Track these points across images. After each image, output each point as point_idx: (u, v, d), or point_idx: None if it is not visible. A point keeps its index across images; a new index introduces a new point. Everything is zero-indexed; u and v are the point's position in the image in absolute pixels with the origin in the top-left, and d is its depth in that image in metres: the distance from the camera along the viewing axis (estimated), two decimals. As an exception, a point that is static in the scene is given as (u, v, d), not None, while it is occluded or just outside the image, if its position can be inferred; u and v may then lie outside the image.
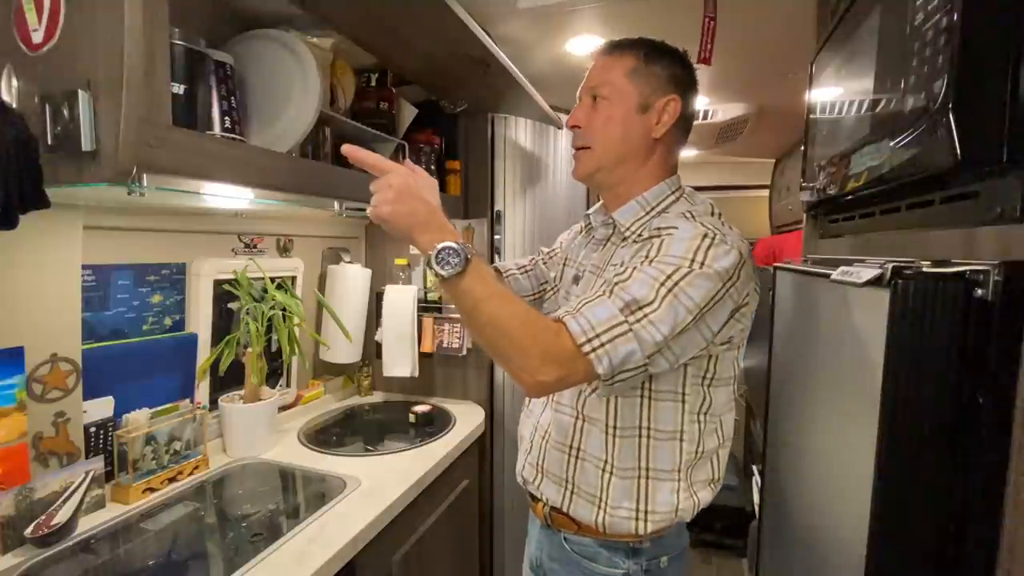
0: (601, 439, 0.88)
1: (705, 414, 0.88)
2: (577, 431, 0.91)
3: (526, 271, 1.19)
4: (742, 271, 0.78)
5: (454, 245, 0.72)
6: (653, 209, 0.91)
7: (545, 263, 1.19)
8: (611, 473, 0.87)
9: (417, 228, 0.75)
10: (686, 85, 0.91)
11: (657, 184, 0.92)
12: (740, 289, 0.79)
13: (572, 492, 0.91)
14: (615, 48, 0.92)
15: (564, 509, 0.92)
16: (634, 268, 0.78)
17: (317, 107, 0.99)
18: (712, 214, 0.88)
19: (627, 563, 0.90)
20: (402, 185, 0.75)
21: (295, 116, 0.99)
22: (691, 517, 0.90)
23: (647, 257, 0.78)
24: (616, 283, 0.77)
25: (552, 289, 1.17)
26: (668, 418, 0.86)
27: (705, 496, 0.90)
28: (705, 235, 0.78)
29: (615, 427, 0.87)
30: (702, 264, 0.75)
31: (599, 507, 0.88)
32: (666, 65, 0.90)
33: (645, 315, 0.73)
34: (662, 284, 0.74)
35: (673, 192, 0.92)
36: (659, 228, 0.84)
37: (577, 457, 0.91)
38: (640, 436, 0.86)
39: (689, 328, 0.75)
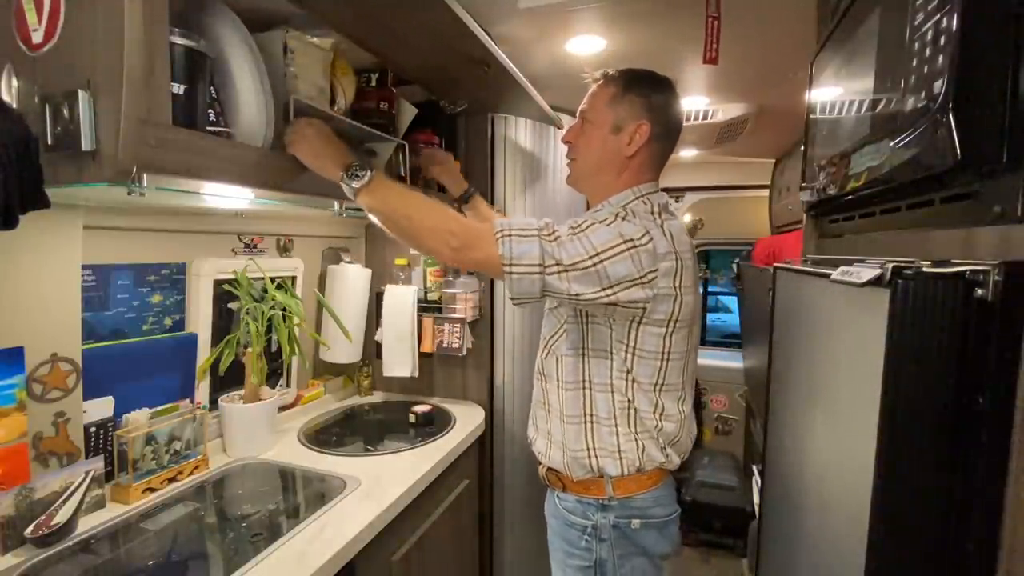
0: (557, 394, 1.09)
1: (630, 374, 1.02)
2: (543, 390, 1.13)
3: None
4: (647, 245, 0.93)
5: (360, 163, 0.95)
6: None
7: None
8: (563, 420, 1.07)
9: (330, 159, 0.96)
10: (660, 110, 1.06)
11: (623, 191, 1.08)
12: (643, 258, 0.93)
13: (551, 442, 1.10)
14: (604, 79, 1.10)
15: (550, 463, 1.11)
16: None
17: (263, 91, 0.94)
18: (652, 212, 1.02)
19: (596, 516, 1.06)
20: (319, 129, 0.99)
21: (254, 103, 0.94)
22: (639, 463, 1.03)
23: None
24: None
25: None
26: (601, 372, 1.04)
27: (652, 448, 1.04)
28: (618, 214, 0.97)
29: (563, 382, 1.07)
30: (607, 225, 0.94)
31: (563, 450, 1.07)
32: (642, 93, 1.05)
33: (554, 237, 0.92)
34: (572, 229, 0.94)
35: (637, 197, 1.06)
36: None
37: (548, 412, 1.12)
38: (583, 388, 1.06)
39: (587, 268, 0.91)
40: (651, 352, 1.01)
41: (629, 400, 1.03)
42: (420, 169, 1.57)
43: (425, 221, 0.95)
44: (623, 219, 0.96)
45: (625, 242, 0.92)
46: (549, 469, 1.12)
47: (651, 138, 1.05)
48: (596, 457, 1.04)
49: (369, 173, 0.94)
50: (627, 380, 1.02)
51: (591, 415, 1.05)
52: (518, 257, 0.90)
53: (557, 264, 0.90)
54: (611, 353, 1.03)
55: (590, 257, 0.90)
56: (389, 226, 0.97)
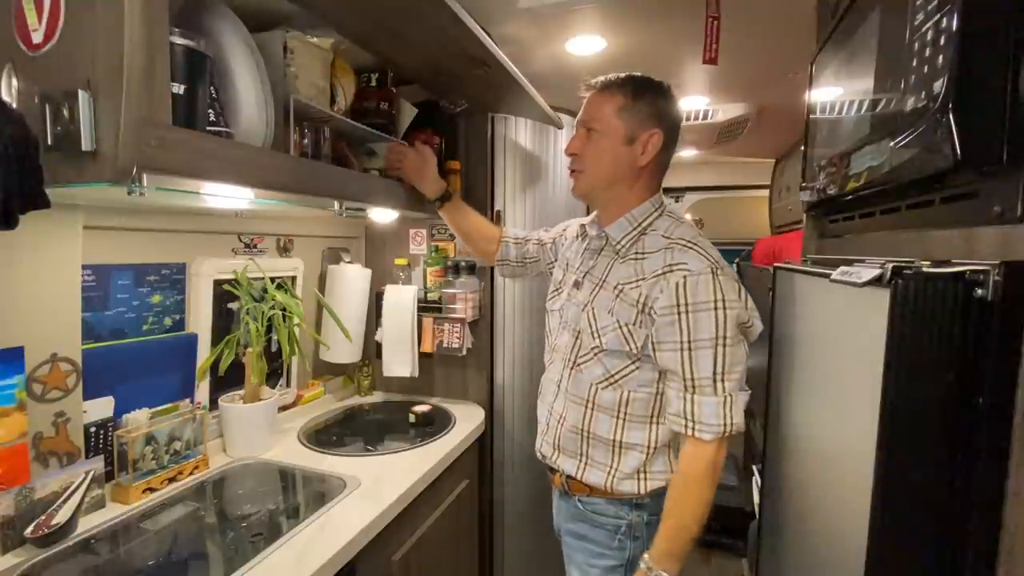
0: (610, 424, 1.04)
1: None
2: (587, 418, 1.07)
3: (518, 243, 1.44)
4: (741, 286, 0.97)
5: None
6: (640, 225, 1.06)
7: (538, 244, 1.41)
8: (620, 448, 1.04)
9: None
10: (668, 117, 1.05)
11: (642, 203, 1.07)
12: (744, 303, 0.96)
13: (586, 464, 1.08)
14: (607, 87, 1.06)
15: (578, 477, 1.08)
16: (686, 350, 0.95)
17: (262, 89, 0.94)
18: (693, 231, 1.04)
19: (631, 515, 1.05)
20: None
21: (253, 103, 0.94)
22: None
23: (681, 315, 0.95)
24: (684, 376, 0.96)
25: (538, 271, 1.44)
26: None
27: None
28: (711, 270, 0.95)
29: (626, 414, 1.04)
30: (723, 306, 0.93)
31: (609, 473, 1.05)
32: (650, 101, 1.03)
33: (724, 375, 0.94)
34: (712, 347, 0.93)
35: (656, 209, 1.08)
36: (670, 265, 0.97)
37: (588, 438, 1.07)
38: (650, 423, 1.03)
39: (740, 353, 0.96)
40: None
41: None
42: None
43: (705, 507, 0.98)
44: (715, 278, 0.94)
45: (739, 315, 0.94)
46: (570, 477, 1.10)
47: (663, 146, 1.04)
48: (647, 481, 1.04)
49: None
50: None
51: (653, 447, 1.03)
52: (730, 424, 0.94)
53: (741, 381, 0.95)
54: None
55: (722, 346, 0.93)
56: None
